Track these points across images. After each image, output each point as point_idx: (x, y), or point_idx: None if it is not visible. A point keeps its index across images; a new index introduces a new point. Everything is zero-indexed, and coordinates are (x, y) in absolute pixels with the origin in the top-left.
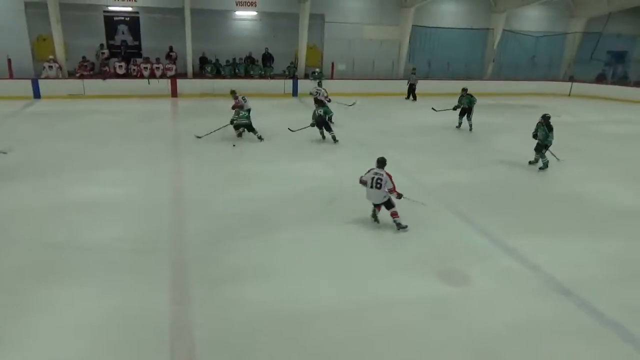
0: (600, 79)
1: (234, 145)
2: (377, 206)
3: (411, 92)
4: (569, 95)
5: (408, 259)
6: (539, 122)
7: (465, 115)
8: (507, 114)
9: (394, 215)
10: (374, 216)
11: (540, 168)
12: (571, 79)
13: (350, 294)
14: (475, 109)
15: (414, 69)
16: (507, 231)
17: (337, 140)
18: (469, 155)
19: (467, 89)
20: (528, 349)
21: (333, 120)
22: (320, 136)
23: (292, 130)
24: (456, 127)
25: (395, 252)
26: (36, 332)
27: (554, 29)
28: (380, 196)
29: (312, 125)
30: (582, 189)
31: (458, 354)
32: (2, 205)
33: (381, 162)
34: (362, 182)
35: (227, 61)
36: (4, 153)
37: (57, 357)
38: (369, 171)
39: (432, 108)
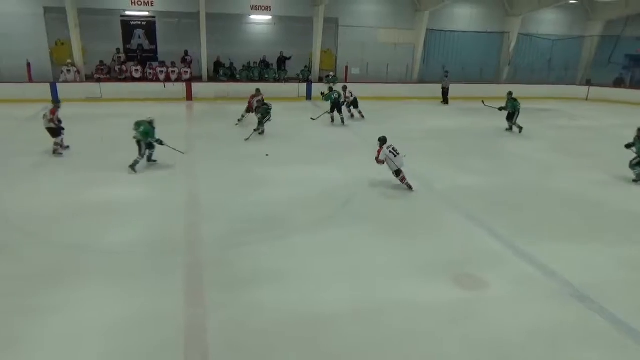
0: (618, 83)
1: (267, 155)
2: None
3: (443, 96)
4: (586, 99)
5: (423, 263)
6: (635, 136)
7: (512, 119)
8: (522, 118)
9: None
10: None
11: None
12: (588, 82)
13: (366, 297)
14: (490, 112)
15: (446, 72)
16: (523, 236)
17: (345, 124)
18: (483, 159)
19: (512, 93)
20: (546, 356)
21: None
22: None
23: (313, 119)
24: (506, 129)
25: (409, 255)
26: (55, 332)
27: (570, 33)
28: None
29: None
30: (599, 194)
31: (477, 358)
32: (23, 207)
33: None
34: (380, 161)
35: (244, 66)
36: (182, 153)
37: (74, 357)
38: (379, 151)
39: (482, 101)
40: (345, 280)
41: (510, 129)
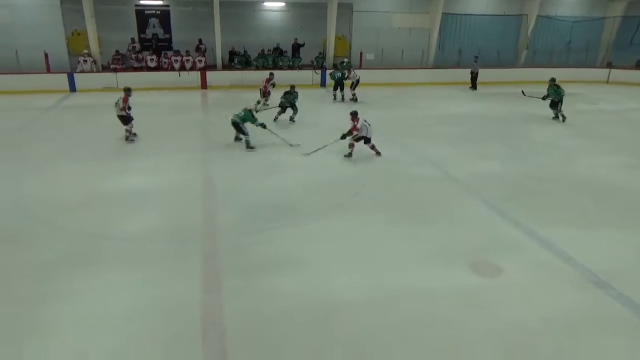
0: None
1: (298, 145)
2: (368, 141)
3: (472, 81)
4: (607, 82)
5: (439, 250)
6: None
7: (557, 107)
8: (541, 102)
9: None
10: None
11: None
12: (609, 65)
13: (381, 284)
14: (507, 98)
15: (476, 57)
16: (541, 222)
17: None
18: (501, 145)
19: (554, 79)
20: (564, 343)
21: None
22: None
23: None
24: (552, 118)
25: (425, 242)
26: (75, 318)
27: (591, 14)
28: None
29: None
30: (619, 179)
31: (492, 347)
32: (42, 195)
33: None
34: (357, 129)
35: (259, 53)
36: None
37: (93, 343)
38: (356, 123)
39: (522, 91)
40: (361, 267)
41: (556, 117)
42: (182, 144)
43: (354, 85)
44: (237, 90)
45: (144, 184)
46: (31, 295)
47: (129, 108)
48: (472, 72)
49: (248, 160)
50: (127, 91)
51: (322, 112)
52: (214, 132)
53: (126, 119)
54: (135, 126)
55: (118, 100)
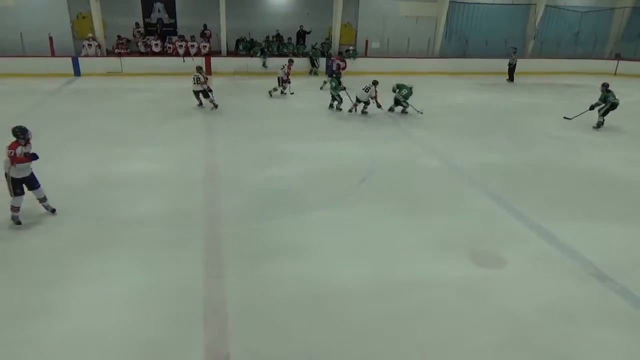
0: None
1: (292, 93)
2: (357, 102)
3: (510, 73)
4: (615, 74)
5: (441, 240)
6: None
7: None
8: (548, 93)
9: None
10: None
11: None
12: (617, 56)
13: (384, 273)
14: (512, 88)
15: (514, 48)
16: (543, 213)
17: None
18: (505, 136)
19: (607, 85)
20: (563, 334)
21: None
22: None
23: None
24: (593, 127)
25: (428, 232)
26: (81, 302)
27: (600, 4)
28: (364, 96)
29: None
30: (624, 172)
31: (492, 337)
32: (47, 180)
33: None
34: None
35: (264, 40)
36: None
37: (100, 325)
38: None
39: (565, 117)
40: (363, 255)
41: (598, 126)
42: (185, 131)
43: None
44: (242, 76)
45: (147, 169)
46: (39, 278)
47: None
48: (509, 64)
49: (252, 147)
50: (200, 70)
51: (322, 102)
52: (217, 119)
53: (206, 93)
54: (139, 112)
55: (198, 77)
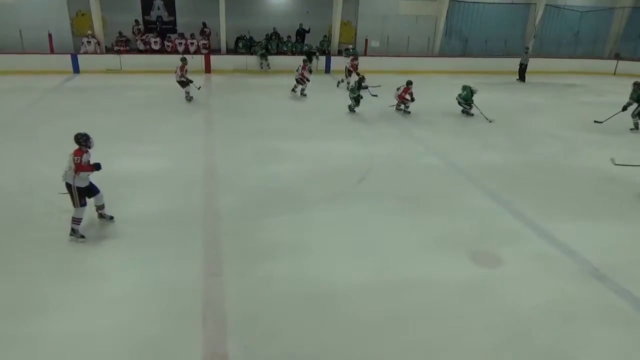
0: None
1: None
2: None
3: (521, 73)
4: (614, 74)
5: (440, 239)
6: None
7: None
8: (547, 93)
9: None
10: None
11: None
12: (617, 56)
13: (382, 273)
14: (512, 88)
15: (527, 47)
16: (542, 213)
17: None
18: (504, 136)
19: (639, 83)
20: (562, 333)
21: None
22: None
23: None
24: (631, 129)
25: (427, 231)
26: (79, 298)
27: (600, 4)
28: (395, 95)
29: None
30: (623, 172)
31: (491, 336)
32: (45, 176)
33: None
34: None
35: (266, 36)
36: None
37: (97, 322)
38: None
39: (595, 121)
40: (362, 254)
41: (636, 127)
42: (184, 129)
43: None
44: (241, 74)
45: (146, 167)
46: (36, 275)
47: (186, 72)
48: (521, 64)
49: (251, 145)
50: (183, 60)
51: (322, 101)
52: (216, 118)
53: (184, 83)
54: (138, 110)
55: (176, 69)
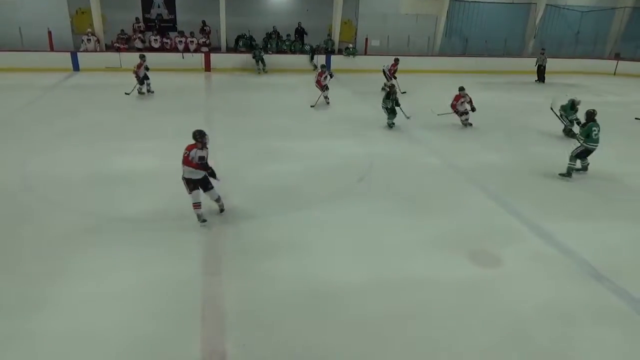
0: None
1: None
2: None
3: (540, 74)
4: (614, 74)
5: (439, 239)
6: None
7: None
8: (547, 93)
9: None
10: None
11: None
12: (617, 56)
13: (381, 272)
14: (513, 88)
15: (543, 49)
16: (541, 214)
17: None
18: (504, 136)
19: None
20: (561, 333)
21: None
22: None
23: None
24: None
25: (426, 231)
26: (78, 297)
27: (601, 4)
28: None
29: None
30: (621, 172)
31: (490, 336)
32: (45, 174)
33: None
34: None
35: (266, 35)
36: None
37: (96, 321)
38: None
39: (636, 118)
40: (362, 254)
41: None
42: (184, 127)
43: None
44: (241, 73)
45: (146, 165)
46: (35, 273)
47: (143, 68)
48: (539, 65)
49: (251, 144)
50: (141, 57)
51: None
52: (216, 116)
53: (139, 80)
54: (138, 108)
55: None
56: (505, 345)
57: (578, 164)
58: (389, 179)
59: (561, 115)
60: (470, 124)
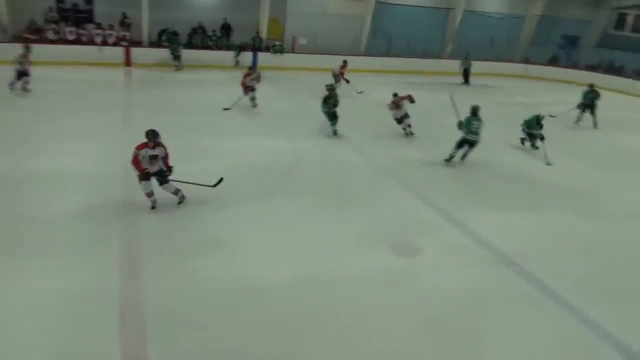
0: (554, 62)
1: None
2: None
3: (465, 77)
4: (524, 76)
5: (363, 233)
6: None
7: (590, 111)
8: (464, 93)
9: None
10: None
11: None
12: (526, 60)
13: (305, 268)
14: (432, 87)
15: (467, 53)
16: (457, 205)
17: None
18: (422, 133)
19: (593, 85)
20: (475, 316)
21: None
22: None
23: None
24: (575, 122)
25: (348, 226)
26: None
27: (513, 11)
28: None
29: None
30: (531, 166)
31: (410, 323)
32: None
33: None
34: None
35: (191, 30)
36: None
37: (9, 329)
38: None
39: (550, 115)
40: (287, 250)
41: (578, 121)
42: (101, 125)
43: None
44: (163, 68)
45: (60, 166)
46: None
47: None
48: (465, 69)
49: (173, 143)
50: (25, 48)
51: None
52: (137, 113)
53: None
54: (50, 105)
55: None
56: (425, 329)
57: (460, 154)
58: (314, 176)
59: (523, 130)
60: (412, 133)
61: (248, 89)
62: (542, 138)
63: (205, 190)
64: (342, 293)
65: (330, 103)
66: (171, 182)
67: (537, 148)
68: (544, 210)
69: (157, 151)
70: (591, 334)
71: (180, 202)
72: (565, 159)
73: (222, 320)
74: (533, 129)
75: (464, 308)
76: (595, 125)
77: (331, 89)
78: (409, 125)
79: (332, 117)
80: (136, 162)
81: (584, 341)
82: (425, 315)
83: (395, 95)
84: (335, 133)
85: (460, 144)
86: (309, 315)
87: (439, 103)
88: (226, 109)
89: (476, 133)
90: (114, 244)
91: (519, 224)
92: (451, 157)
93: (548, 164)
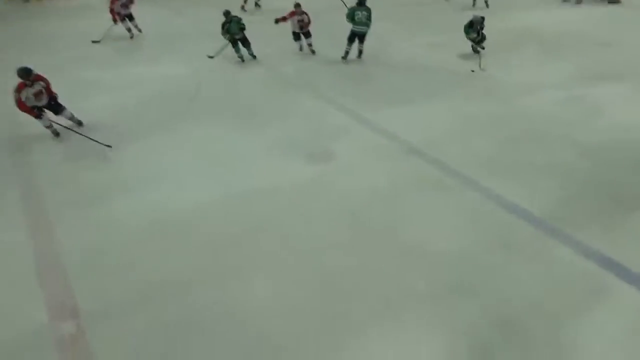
0: None
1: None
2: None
3: None
4: None
5: (278, 146)
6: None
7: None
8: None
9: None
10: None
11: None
12: None
13: (228, 187)
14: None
15: None
16: (365, 106)
17: None
18: (325, 39)
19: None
20: (388, 206)
21: None
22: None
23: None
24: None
25: (264, 140)
26: None
27: None
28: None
29: None
30: (430, 57)
31: (334, 222)
32: None
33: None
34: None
35: None
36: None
37: None
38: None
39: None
40: (205, 173)
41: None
42: None
43: None
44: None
45: None
46: None
47: None
48: None
49: (60, 80)
50: None
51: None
52: (3, 55)
53: None
54: None
55: None
56: (348, 225)
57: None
58: (220, 95)
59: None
60: (313, 52)
61: (119, 16)
62: (476, 42)
63: (103, 125)
64: (265, 209)
65: (225, 29)
66: (66, 109)
67: (477, 52)
68: (443, 99)
69: (37, 86)
70: (503, 210)
71: (80, 123)
72: (462, 44)
73: (150, 257)
74: (469, 36)
75: (378, 201)
76: (486, 4)
77: (226, 14)
78: (310, 45)
79: (235, 43)
80: (21, 104)
81: (497, 217)
82: (345, 216)
83: (297, 5)
84: (242, 59)
85: (350, 38)
86: (235, 234)
87: (334, 10)
88: (95, 42)
89: (362, 23)
90: (15, 196)
91: (425, 115)
92: (346, 53)
93: (482, 69)
